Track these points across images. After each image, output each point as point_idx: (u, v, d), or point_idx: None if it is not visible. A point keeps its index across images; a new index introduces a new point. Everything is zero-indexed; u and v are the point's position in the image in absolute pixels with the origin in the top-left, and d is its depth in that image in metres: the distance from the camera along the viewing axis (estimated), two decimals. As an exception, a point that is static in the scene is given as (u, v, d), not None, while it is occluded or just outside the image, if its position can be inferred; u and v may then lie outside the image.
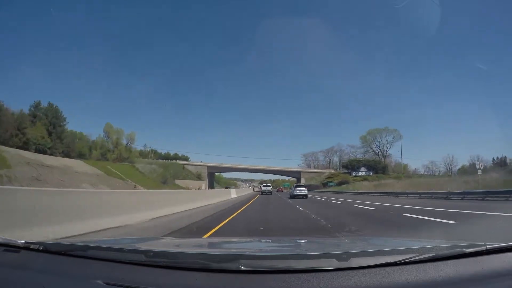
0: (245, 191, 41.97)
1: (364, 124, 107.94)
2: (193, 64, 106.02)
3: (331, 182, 57.42)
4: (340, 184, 54.31)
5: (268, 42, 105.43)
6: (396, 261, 1.00)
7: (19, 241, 1.20)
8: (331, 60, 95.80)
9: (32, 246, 1.19)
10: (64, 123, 50.80)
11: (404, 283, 0.91)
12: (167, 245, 1.71)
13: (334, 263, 1.00)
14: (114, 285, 0.94)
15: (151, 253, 1.10)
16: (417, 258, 1.02)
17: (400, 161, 61.35)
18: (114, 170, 47.02)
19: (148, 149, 74.38)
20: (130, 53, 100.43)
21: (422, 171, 60.85)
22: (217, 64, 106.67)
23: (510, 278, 0.95)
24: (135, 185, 39.41)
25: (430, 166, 62.53)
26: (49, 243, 1.26)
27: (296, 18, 67.66)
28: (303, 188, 23.43)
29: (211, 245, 2.08)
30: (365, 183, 50.24)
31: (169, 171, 61.88)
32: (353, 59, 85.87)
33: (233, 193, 23.19)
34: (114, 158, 57.17)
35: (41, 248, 1.19)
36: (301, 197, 21.81)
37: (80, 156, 51.81)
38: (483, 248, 1.07)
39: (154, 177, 55.36)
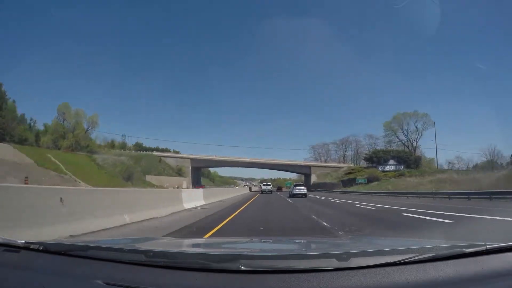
0: (237, 191, 35.33)
1: (371, 123, 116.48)
2: (193, 60, 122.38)
3: (360, 178, 52.13)
4: (368, 181, 51.08)
5: (271, 39, 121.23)
6: (396, 261, 1.24)
7: (19, 241, 1.47)
8: (332, 58, 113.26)
9: (32, 246, 1.46)
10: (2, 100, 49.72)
11: (404, 283, 1.13)
12: (167, 245, 2.01)
13: (334, 263, 1.24)
14: (114, 285, 1.17)
15: (151, 253, 1.35)
16: (417, 258, 1.26)
17: (425, 154, 62.40)
18: (54, 159, 46.24)
19: (126, 140, 75.70)
20: (125, 48, 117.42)
21: (445, 166, 61.00)
22: (219, 60, 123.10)
23: (510, 278, 1.19)
24: (42, 180, 35.03)
25: (455, 162, 63.42)
26: (49, 243, 1.53)
27: (301, 17, 79.13)
28: (302, 188, 29.83)
29: (211, 245, 2.41)
30: (412, 179, 44.10)
31: (139, 164, 61.51)
32: (355, 55, 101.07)
33: (191, 199, 12.74)
34: (67, 146, 56.44)
35: (41, 248, 1.46)
36: (300, 195, 27.50)
37: (22, 141, 51.08)
38: (483, 248, 1.32)
39: (116, 171, 54.49)
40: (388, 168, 57.46)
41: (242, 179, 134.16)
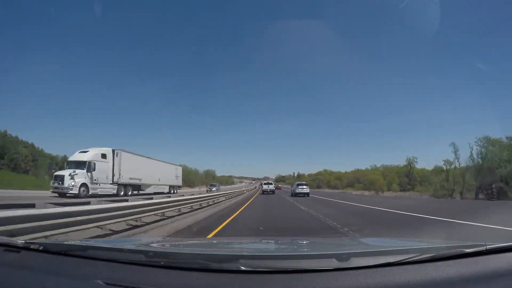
0: None
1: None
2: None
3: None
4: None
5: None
6: (396, 261, 1.21)
7: (19, 241, 1.44)
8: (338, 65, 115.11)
9: (32, 246, 1.42)
10: None
11: (404, 283, 1.11)
12: (167, 245, 1.97)
13: (334, 263, 1.21)
14: (114, 285, 1.14)
15: (151, 253, 1.32)
16: (417, 258, 1.23)
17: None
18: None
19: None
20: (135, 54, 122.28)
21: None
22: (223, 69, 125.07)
23: (510, 278, 1.16)
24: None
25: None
26: (49, 243, 1.50)
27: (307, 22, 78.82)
28: (304, 187, 27.96)
29: (211, 245, 2.37)
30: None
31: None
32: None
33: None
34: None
35: (41, 248, 1.42)
36: (302, 195, 25.91)
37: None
38: (483, 248, 1.29)
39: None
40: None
41: (253, 179, 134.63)
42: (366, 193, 45.24)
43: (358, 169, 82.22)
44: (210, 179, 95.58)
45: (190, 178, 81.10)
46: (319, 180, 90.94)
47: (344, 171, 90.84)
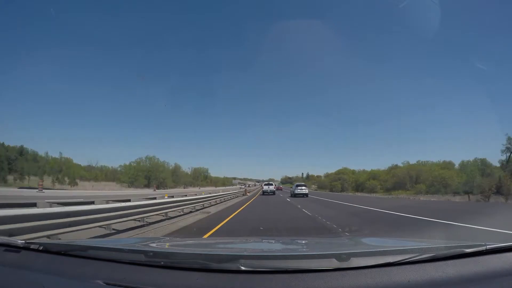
0: None
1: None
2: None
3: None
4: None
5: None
6: (396, 261, 1.21)
7: (19, 241, 1.43)
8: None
9: (32, 246, 1.42)
10: None
11: (404, 283, 1.11)
12: (167, 245, 1.96)
13: (334, 263, 1.21)
14: (114, 285, 1.14)
15: (151, 253, 1.32)
16: (417, 258, 1.23)
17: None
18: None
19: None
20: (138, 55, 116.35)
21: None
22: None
23: (510, 278, 1.16)
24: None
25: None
26: (49, 243, 1.49)
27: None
28: (303, 187, 28.89)
29: (211, 245, 2.36)
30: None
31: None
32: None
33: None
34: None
35: (41, 248, 1.42)
36: (301, 195, 26.76)
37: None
38: (483, 248, 1.29)
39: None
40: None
41: (257, 181, 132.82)
42: (457, 199, 26.31)
43: (396, 165, 55.20)
44: (197, 180, 75.78)
45: (158, 176, 53.95)
46: (344, 181, 65.21)
47: (369, 169, 64.94)
